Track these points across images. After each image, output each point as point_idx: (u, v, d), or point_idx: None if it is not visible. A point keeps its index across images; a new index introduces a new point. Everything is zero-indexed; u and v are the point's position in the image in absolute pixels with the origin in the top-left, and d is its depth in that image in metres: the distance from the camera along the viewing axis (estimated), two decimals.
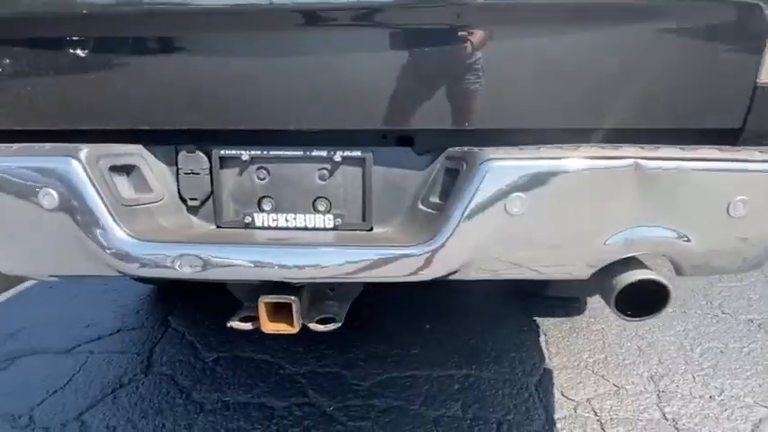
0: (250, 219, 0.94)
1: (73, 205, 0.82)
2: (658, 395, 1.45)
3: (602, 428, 1.32)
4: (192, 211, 0.97)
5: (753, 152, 0.78)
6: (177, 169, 0.94)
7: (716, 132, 0.84)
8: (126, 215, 0.85)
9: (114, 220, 0.82)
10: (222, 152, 0.92)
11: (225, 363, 1.63)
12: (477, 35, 0.82)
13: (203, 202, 0.96)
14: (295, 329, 0.86)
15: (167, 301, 2.04)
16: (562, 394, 1.46)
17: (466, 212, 0.77)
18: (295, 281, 0.84)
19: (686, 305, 1.94)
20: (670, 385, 1.49)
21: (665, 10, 0.81)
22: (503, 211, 0.77)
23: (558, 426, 1.33)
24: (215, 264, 0.82)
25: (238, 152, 0.92)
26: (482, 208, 0.77)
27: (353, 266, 0.80)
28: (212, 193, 0.95)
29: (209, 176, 0.94)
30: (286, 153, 0.92)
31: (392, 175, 0.92)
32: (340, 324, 0.92)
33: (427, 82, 0.85)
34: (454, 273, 0.81)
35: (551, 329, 1.80)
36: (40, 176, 0.83)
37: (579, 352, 1.66)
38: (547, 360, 1.62)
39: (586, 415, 1.37)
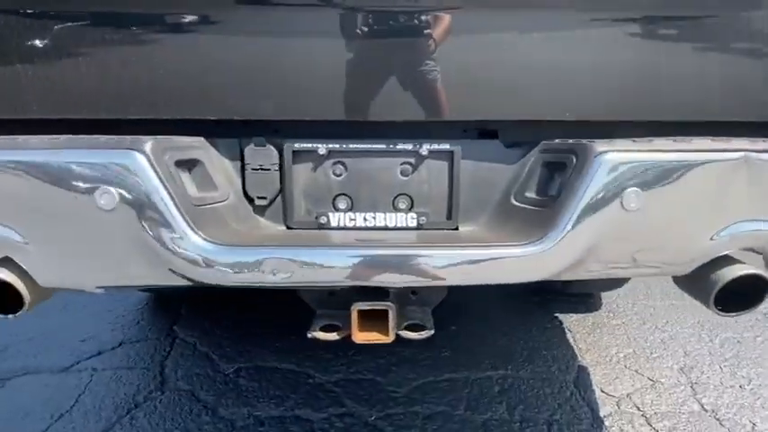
0: (325, 219, 0.86)
1: (137, 205, 0.72)
2: (692, 387, 1.47)
3: (648, 423, 1.33)
4: (259, 210, 0.87)
5: None
6: (243, 165, 0.85)
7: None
8: (197, 216, 0.75)
9: (187, 223, 0.72)
10: (296, 145, 0.83)
11: (247, 374, 1.52)
12: (572, 24, 0.78)
13: (272, 201, 0.87)
14: (389, 338, 0.78)
15: (168, 309, 1.89)
16: (602, 390, 1.46)
17: (581, 208, 0.73)
18: (397, 286, 0.77)
19: (689, 297, 2.00)
20: (701, 377, 1.52)
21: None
22: (619, 207, 0.73)
23: (607, 423, 1.32)
24: (308, 269, 0.74)
25: (314, 146, 0.83)
26: (598, 203, 0.72)
27: (463, 269, 0.74)
28: (282, 190, 0.86)
29: (278, 172, 0.85)
30: (367, 147, 0.84)
31: (479, 170, 0.87)
32: (432, 332, 0.86)
33: (523, 70, 0.80)
34: (564, 272, 0.77)
35: (575, 326, 1.80)
36: (96, 172, 0.71)
37: (607, 347, 1.67)
38: (579, 357, 1.61)
39: (630, 411, 1.37)
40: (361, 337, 0.78)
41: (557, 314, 1.87)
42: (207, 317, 1.83)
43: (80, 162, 0.72)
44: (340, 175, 0.86)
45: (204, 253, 0.72)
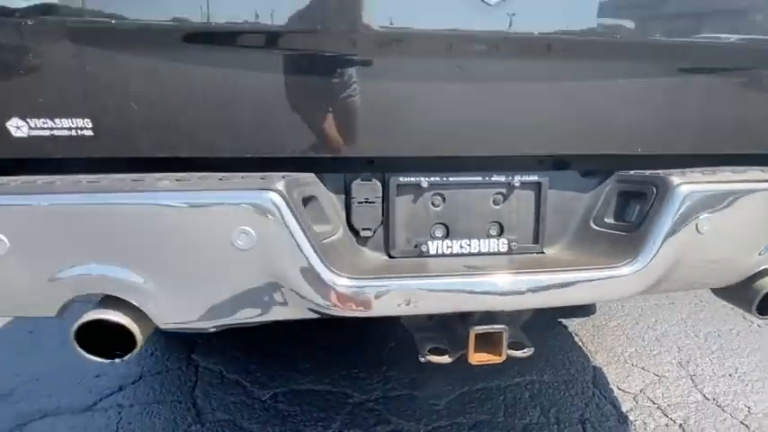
0: (425, 247, 0.91)
1: (275, 243, 0.73)
2: (692, 379, 1.65)
3: (666, 415, 1.48)
4: (362, 241, 0.91)
5: None
6: (348, 198, 0.88)
7: None
8: (324, 251, 0.77)
9: (320, 258, 0.75)
10: (401, 179, 0.88)
11: (285, 398, 1.51)
12: (644, 74, 0.89)
13: (374, 232, 0.90)
14: (502, 358, 0.85)
15: (181, 337, 1.82)
16: (618, 388, 1.60)
17: (665, 233, 0.84)
18: (514, 309, 0.84)
19: (670, 297, 2.23)
20: (697, 369, 1.70)
21: None
22: (695, 231, 0.85)
23: (631, 418, 1.46)
24: (434, 297, 0.79)
25: (417, 179, 0.89)
26: (680, 228, 0.84)
27: (570, 290, 0.82)
28: (384, 222, 0.90)
29: (381, 205, 0.89)
30: (465, 179, 0.91)
31: (560, 198, 0.96)
32: (533, 349, 0.93)
33: (604, 112, 0.91)
34: (649, 289, 0.88)
35: (579, 329, 1.95)
36: (233, 212, 0.73)
37: (612, 348, 1.83)
38: (591, 358, 1.75)
39: (647, 404, 1.52)
40: (476, 358, 0.84)
41: (560, 320, 2.01)
42: (224, 342, 1.78)
43: (214, 202, 0.73)
44: (438, 206, 0.92)
45: (339, 286, 0.75)
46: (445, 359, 0.89)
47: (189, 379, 1.60)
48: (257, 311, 0.78)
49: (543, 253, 0.96)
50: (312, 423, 1.41)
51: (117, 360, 0.79)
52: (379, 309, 0.77)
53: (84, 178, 0.75)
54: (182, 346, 1.77)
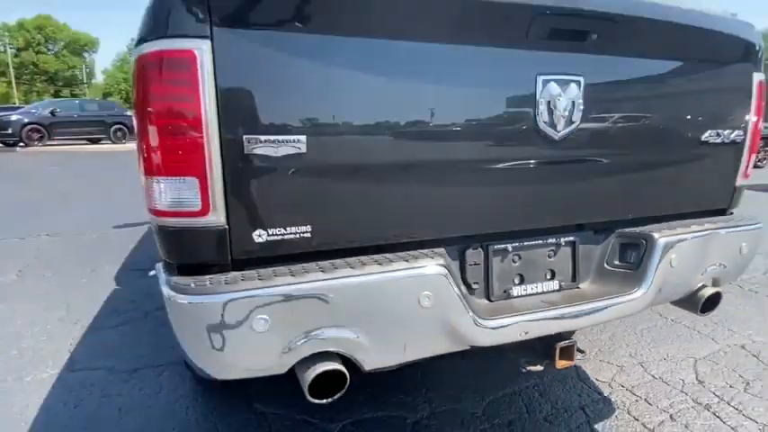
0: (511, 291, 1.32)
1: (445, 301, 1.09)
2: (641, 365, 2.23)
3: (633, 393, 2.01)
4: (471, 291, 1.29)
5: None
6: (464, 262, 1.26)
7: (714, 210, 1.62)
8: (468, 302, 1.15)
9: (471, 308, 1.12)
10: (496, 246, 1.29)
11: (354, 428, 1.78)
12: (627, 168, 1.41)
13: (480, 284, 1.29)
14: (574, 362, 1.27)
15: (231, 394, 1.98)
16: (596, 379, 2.12)
17: (654, 270, 1.34)
18: (580, 328, 1.27)
19: None
20: (642, 357, 2.30)
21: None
22: (669, 265, 1.37)
23: (612, 398, 1.97)
24: (539, 325, 1.19)
25: (506, 245, 1.30)
26: (661, 266, 1.35)
27: (610, 312, 1.28)
28: (486, 276, 1.29)
29: (483, 265, 1.29)
30: (532, 243, 1.34)
31: (584, 250, 1.43)
32: (585, 353, 1.36)
33: (609, 197, 1.41)
34: (647, 306, 1.37)
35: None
36: (420, 281, 1.07)
37: (584, 349, 2.37)
38: (572, 379, 2.27)
39: (619, 388, 2.05)
40: (560, 364, 1.26)
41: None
42: (276, 388, 1.99)
43: (409, 276, 1.06)
44: (516, 262, 1.34)
45: (488, 327, 1.13)
46: (538, 368, 1.30)
47: (265, 427, 1.79)
48: (433, 349, 1.12)
49: (579, 288, 1.42)
50: None
51: (328, 400, 1.07)
52: (509, 338, 1.16)
53: (311, 266, 1.04)
54: (239, 399, 1.94)
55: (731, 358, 2.30)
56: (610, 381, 2.11)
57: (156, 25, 0.93)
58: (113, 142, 18.18)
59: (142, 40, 0.95)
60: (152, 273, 3.42)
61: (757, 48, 1.51)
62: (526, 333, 1.18)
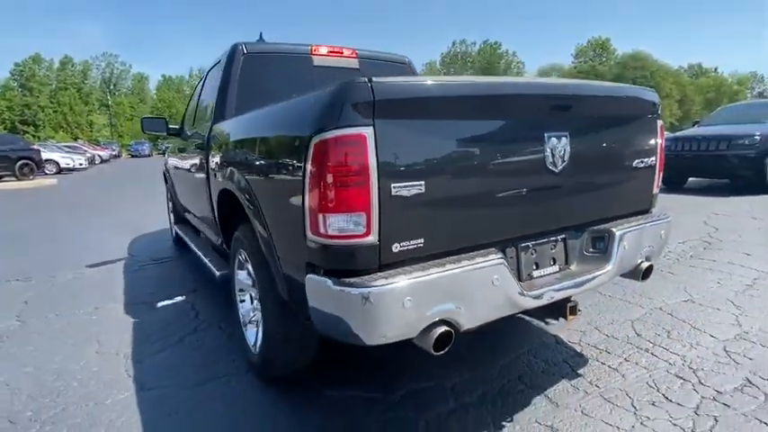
0: (533, 274, 1.96)
1: (505, 281, 1.70)
2: (597, 329, 3.00)
3: (596, 347, 2.75)
4: None
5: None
6: (505, 256, 1.88)
7: (642, 210, 2.41)
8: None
9: (526, 285, 1.75)
10: (522, 245, 1.93)
11: (409, 396, 2.30)
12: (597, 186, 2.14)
13: (514, 270, 1.91)
14: (577, 316, 1.94)
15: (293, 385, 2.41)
16: (569, 341, 2.83)
17: (616, 253, 2.06)
18: (580, 293, 1.94)
19: None
20: (596, 323, 3.07)
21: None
22: (624, 249, 2.10)
23: (584, 353, 2.69)
24: (560, 292, 1.84)
25: (527, 243, 1.94)
26: (620, 249, 2.08)
27: (595, 281, 1.97)
28: (517, 265, 1.92)
29: (515, 257, 1.92)
30: (541, 240, 2.00)
31: (571, 243, 2.12)
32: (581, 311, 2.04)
33: (587, 203, 2.12)
34: (613, 278, 2.08)
35: (531, 325, 3.17)
36: (491, 270, 1.67)
37: (552, 325, 3.09)
38: (548, 333, 2.97)
39: (587, 347, 2.78)
40: (570, 318, 1.92)
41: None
42: (334, 374, 2.45)
43: (487, 266, 1.65)
44: (533, 255, 1.98)
45: (527, 295, 1.75)
46: (555, 322, 1.94)
47: (339, 407, 2.25)
48: (499, 313, 1.72)
49: (570, 269, 2.10)
50: (442, 401, 2.25)
51: (443, 352, 1.61)
52: (542, 303, 1.79)
53: (429, 264, 1.59)
54: (308, 388, 2.37)
55: (655, 317, 3.16)
56: (578, 342, 2.84)
57: (335, 119, 1.45)
58: (18, 179, 16.75)
59: (322, 129, 1.46)
60: (161, 304, 3.70)
61: (657, 103, 2.33)
62: (552, 298, 1.82)
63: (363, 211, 1.47)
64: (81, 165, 24.38)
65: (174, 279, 4.50)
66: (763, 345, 2.71)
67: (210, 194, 3.10)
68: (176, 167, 4.76)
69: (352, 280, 1.50)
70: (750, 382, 2.32)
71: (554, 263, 2.05)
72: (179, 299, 3.86)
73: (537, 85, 1.99)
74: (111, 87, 69.54)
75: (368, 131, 1.45)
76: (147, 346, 2.98)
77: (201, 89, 3.99)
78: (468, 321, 1.64)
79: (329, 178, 1.46)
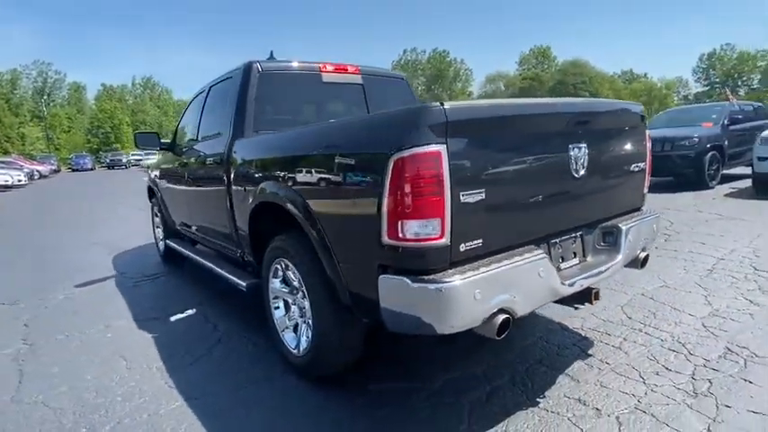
0: (560, 266, 2.26)
1: (548, 274, 1.98)
2: (594, 315, 3.36)
3: (598, 331, 3.10)
4: None
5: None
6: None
7: (635, 208, 2.79)
8: None
9: (559, 276, 2.04)
10: (551, 241, 2.22)
11: (448, 384, 2.54)
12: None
13: None
14: (599, 299, 2.26)
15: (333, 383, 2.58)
16: (573, 327, 3.17)
17: (624, 244, 2.41)
18: (601, 281, 2.25)
19: None
20: (593, 311, 3.44)
21: None
22: (630, 240, 2.45)
23: (589, 336, 3.03)
24: (587, 281, 2.15)
25: (555, 240, 2.24)
26: (628, 241, 2.42)
27: (610, 271, 2.30)
28: (550, 258, 2.21)
29: (547, 252, 2.20)
30: (566, 236, 2.30)
31: (588, 237, 2.44)
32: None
33: (597, 203, 2.45)
34: (623, 267, 2.42)
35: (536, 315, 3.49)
36: (537, 265, 1.94)
37: (554, 314, 3.42)
38: (552, 323, 3.30)
39: (590, 331, 3.12)
40: (594, 302, 2.23)
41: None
42: (375, 370, 2.64)
43: (534, 260, 1.92)
44: (560, 250, 2.28)
45: (565, 284, 2.04)
46: (583, 306, 2.25)
47: (384, 399, 2.44)
48: (544, 300, 2.00)
49: (587, 261, 2.42)
50: (477, 389, 2.50)
51: (503, 336, 1.86)
52: (574, 290, 2.09)
53: (494, 259, 1.84)
54: (350, 384, 2.55)
55: (640, 301, 3.58)
56: (581, 327, 3.19)
57: (414, 138, 1.68)
58: None
59: (402, 147, 1.68)
60: (174, 318, 3.76)
61: (644, 115, 2.72)
62: (581, 286, 2.12)
63: (439, 216, 1.70)
64: (20, 181, 22.85)
65: (175, 293, 4.51)
66: (732, 319, 3.16)
67: (232, 208, 3.21)
68: (171, 182, 4.77)
69: (431, 277, 1.72)
70: (730, 350, 2.74)
71: (574, 256, 2.36)
72: (190, 312, 3.90)
73: (562, 104, 2.31)
74: (45, 98, 65.29)
75: (442, 148, 1.69)
76: (176, 359, 3.04)
77: (204, 104, 4.06)
78: (521, 309, 1.90)
79: (408, 189, 1.68)
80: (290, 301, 2.74)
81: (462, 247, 1.80)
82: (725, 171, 9.72)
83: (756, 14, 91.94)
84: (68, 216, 10.95)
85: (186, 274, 5.19)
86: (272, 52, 3.55)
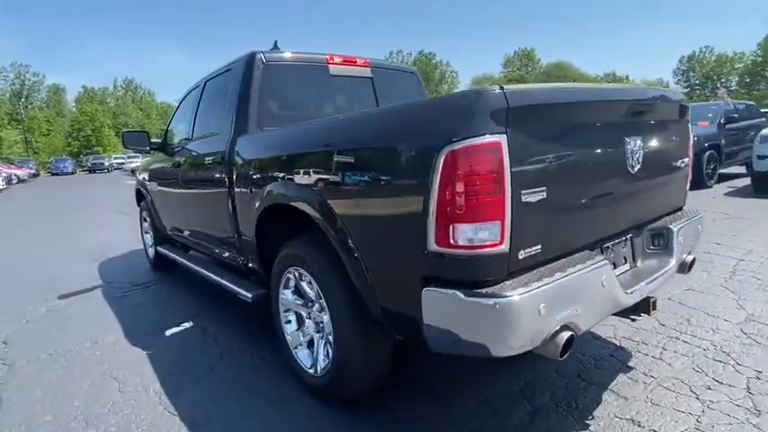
0: (615, 272, 2.03)
1: (611, 283, 1.75)
2: (623, 322, 3.15)
3: (633, 341, 2.89)
4: None
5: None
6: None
7: (678, 208, 2.58)
8: None
9: (620, 285, 1.80)
10: (603, 245, 1.99)
11: (481, 405, 2.29)
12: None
13: None
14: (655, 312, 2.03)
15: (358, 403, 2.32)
16: (606, 337, 2.95)
17: (677, 246, 2.19)
18: (657, 288, 2.03)
19: None
20: (621, 319, 3.23)
21: None
22: (681, 242, 2.23)
23: (624, 345, 2.81)
24: (645, 289, 1.92)
25: (608, 244, 2.01)
26: (680, 243, 2.21)
27: (664, 277, 2.07)
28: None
29: (602, 254, 1.97)
30: (616, 240, 2.08)
31: (635, 241, 2.22)
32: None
33: (648, 201, 2.22)
34: (677, 271, 2.20)
35: None
36: (598, 273, 1.71)
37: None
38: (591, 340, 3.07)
39: (624, 340, 2.91)
40: (652, 312, 2.00)
41: None
42: (402, 392, 2.38)
43: (596, 267, 1.69)
44: (612, 254, 2.05)
45: (629, 295, 1.81)
46: (640, 316, 2.02)
47: (418, 422, 2.19)
48: (606, 312, 1.76)
49: (637, 266, 2.20)
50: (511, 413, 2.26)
51: (566, 356, 1.62)
52: (635, 300, 1.86)
53: (554, 267, 1.60)
54: (376, 407, 2.29)
55: (669, 307, 3.38)
56: (614, 336, 2.97)
57: (470, 127, 1.43)
58: None
59: (455, 138, 1.43)
60: (170, 332, 3.44)
61: (687, 105, 2.51)
62: (641, 295, 1.89)
63: (498, 219, 1.46)
64: None
65: (168, 303, 4.18)
66: None
67: (235, 211, 2.92)
68: (163, 184, 4.44)
69: (487, 290, 1.48)
70: None
71: (625, 261, 2.14)
72: (187, 325, 3.58)
73: (621, 90, 2.08)
74: (23, 100, 63.49)
75: (502, 139, 1.44)
76: (175, 379, 2.74)
77: (200, 100, 3.76)
78: (584, 324, 1.67)
79: (463, 188, 1.43)
80: (303, 314, 2.47)
81: (521, 255, 1.55)
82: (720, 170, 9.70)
83: (735, 16, 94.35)
84: (49, 221, 10.44)
85: (178, 281, 4.86)
86: (275, 42, 3.27)
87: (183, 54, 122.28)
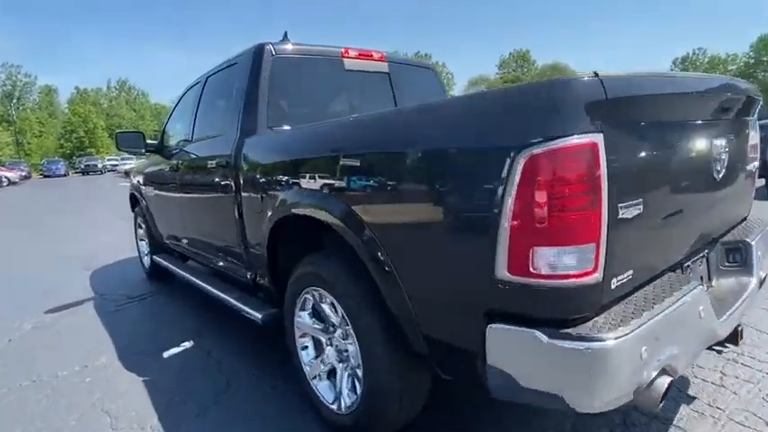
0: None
1: (709, 311, 1.45)
2: None
3: (697, 377, 2.60)
4: None
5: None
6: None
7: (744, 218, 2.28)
8: None
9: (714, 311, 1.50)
10: (684, 264, 1.69)
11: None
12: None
13: None
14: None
15: None
16: None
17: (756, 262, 1.90)
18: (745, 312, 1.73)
19: None
20: None
21: None
22: (759, 259, 1.94)
23: (694, 392, 2.52)
24: (735, 319, 1.62)
25: (687, 263, 1.72)
26: (757, 260, 1.91)
27: (749, 299, 1.77)
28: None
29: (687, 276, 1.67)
30: (693, 257, 1.78)
31: (710, 257, 1.93)
32: None
33: (725, 212, 1.93)
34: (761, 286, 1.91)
35: None
36: (698, 300, 1.41)
37: None
38: None
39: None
40: (739, 342, 1.70)
41: None
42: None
43: (691, 300, 1.39)
44: (690, 274, 1.75)
45: (723, 325, 1.51)
46: (727, 348, 1.72)
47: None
48: (702, 348, 1.46)
49: (712, 286, 1.90)
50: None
51: (663, 403, 1.32)
52: (729, 330, 1.56)
53: (649, 295, 1.30)
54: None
55: None
56: None
57: (558, 124, 1.12)
58: None
59: (538, 139, 1.13)
60: (168, 354, 3.11)
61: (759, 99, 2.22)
62: (734, 323, 1.60)
63: (592, 240, 1.16)
64: None
65: (166, 318, 3.85)
66: None
67: (242, 221, 2.61)
68: (159, 189, 4.11)
69: (577, 331, 1.17)
70: None
71: (702, 281, 1.84)
72: (187, 344, 3.26)
73: (714, 80, 1.77)
74: (15, 101, 62.63)
75: (599, 139, 1.14)
76: (176, 410, 2.41)
77: (200, 99, 3.44)
78: (681, 365, 1.37)
79: (549, 201, 1.13)
80: (323, 340, 2.15)
81: (614, 284, 1.26)
82: None
83: (728, 16, 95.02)
84: (38, 227, 10.04)
85: (176, 292, 4.52)
86: (285, 33, 2.96)
87: (178, 54, 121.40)
